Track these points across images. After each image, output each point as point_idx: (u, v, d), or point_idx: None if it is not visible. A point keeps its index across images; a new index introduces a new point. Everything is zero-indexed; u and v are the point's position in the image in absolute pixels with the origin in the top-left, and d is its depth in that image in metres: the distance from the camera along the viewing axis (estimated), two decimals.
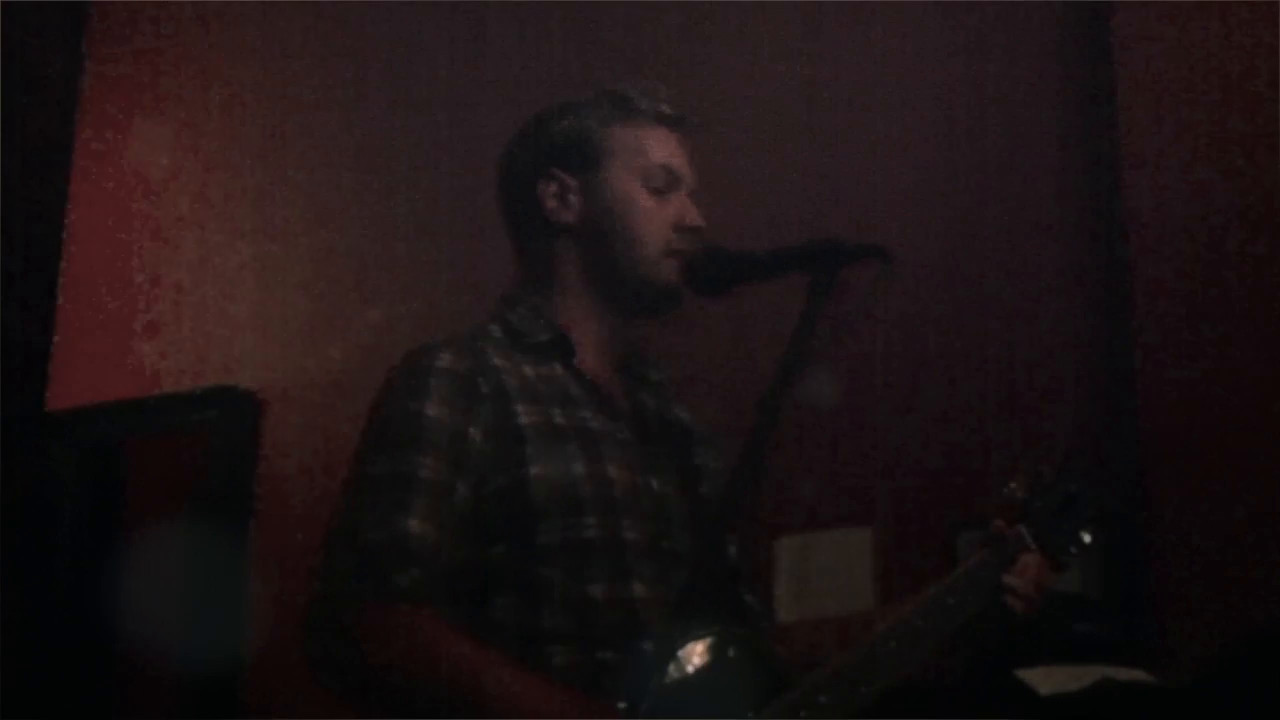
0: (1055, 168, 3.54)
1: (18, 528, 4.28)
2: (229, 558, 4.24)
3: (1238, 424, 3.13)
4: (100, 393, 4.62)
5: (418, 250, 4.27)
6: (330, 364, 4.28)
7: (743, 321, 3.41)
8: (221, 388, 4.41)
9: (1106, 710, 2.57)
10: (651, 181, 2.00)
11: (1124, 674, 2.67)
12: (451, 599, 1.79)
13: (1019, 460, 3.16)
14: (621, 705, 1.70)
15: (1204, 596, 3.07)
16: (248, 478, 4.31)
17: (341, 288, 4.38)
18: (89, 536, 4.57)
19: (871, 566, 3.45)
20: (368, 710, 1.80)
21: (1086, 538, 2.08)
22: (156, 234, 4.71)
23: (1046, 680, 2.63)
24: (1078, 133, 3.52)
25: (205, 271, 4.60)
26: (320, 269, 4.43)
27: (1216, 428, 3.16)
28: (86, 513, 4.59)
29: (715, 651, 1.74)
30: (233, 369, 4.44)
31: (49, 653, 4.39)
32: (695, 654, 1.72)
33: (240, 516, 4.27)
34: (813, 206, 3.69)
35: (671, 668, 1.70)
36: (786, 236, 1.89)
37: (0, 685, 4.03)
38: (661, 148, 2.02)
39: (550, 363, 1.95)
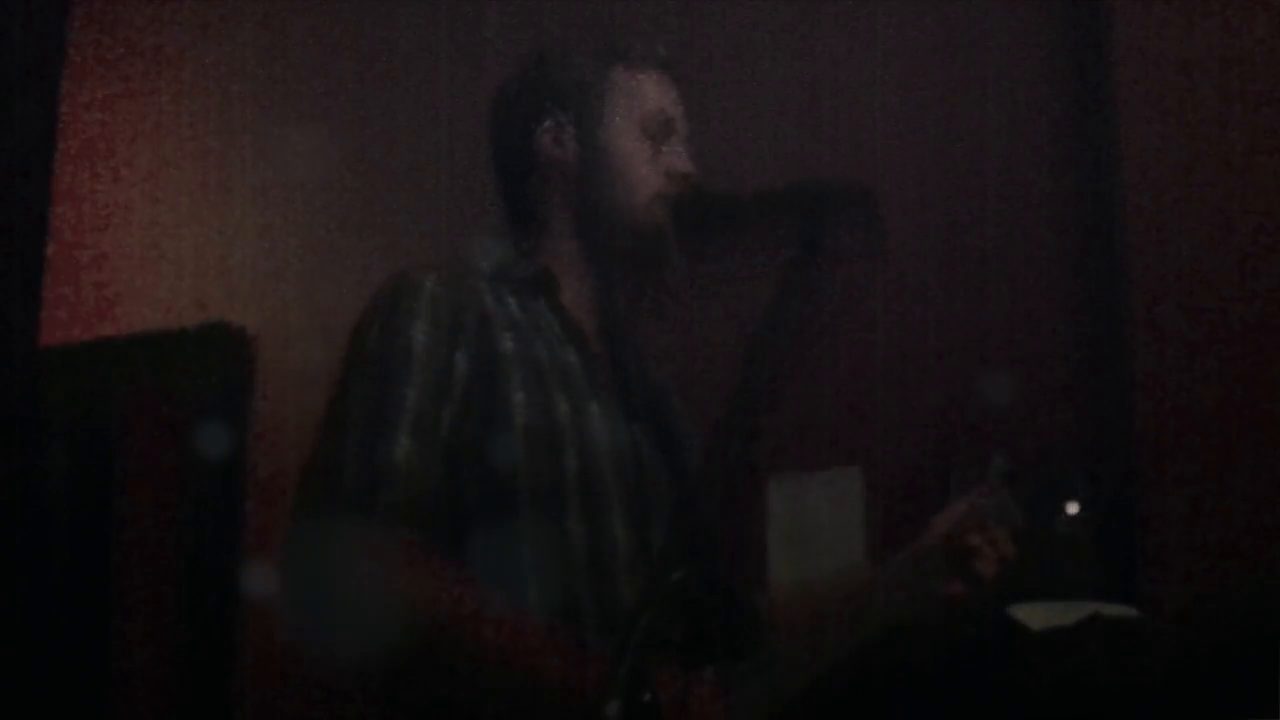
0: (1053, 115, 3.53)
1: (7, 463, 4.28)
2: (223, 494, 4.25)
3: (1233, 370, 3.14)
4: (93, 330, 4.61)
5: (413, 189, 4.26)
6: (324, 302, 4.28)
7: (735, 280, 3.40)
8: (215, 325, 4.41)
9: (1098, 645, 2.59)
10: (648, 127, 2.00)
11: (1114, 610, 2.69)
12: (426, 526, 1.78)
13: (1011, 414, 3.18)
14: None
15: (1189, 536, 3.08)
16: (242, 415, 4.31)
17: (336, 226, 4.37)
18: (81, 474, 4.57)
19: (864, 507, 3.46)
20: (345, 634, 1.80)
21: (1073, 508, 2.08)
22: (149, 173, 4.70)
23: (1038, 616, 2.64)
24: (1076, 83, 3.50)
25: (199, 210, 4.59)
26: (315, 208, 4.42)
27: (1211, 381, 3.16)
28: (78, 449, 4.59)
29: (700, 591, 1.75)
30: (226, 308, 4.43)
31: (38, 604, 4.40)
32: (679, 592, 1.73)
33: (235, 453, 4.28)
34: (805, 161, 3.67)
35: (655, 605, 1.71)
36: (780, 178, 1.88)
37: None
38: (658, 94, 2.02)
39: (535, 299, 1.95)
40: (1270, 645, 2.42)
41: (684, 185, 1.97)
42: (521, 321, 1.92)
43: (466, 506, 1.82)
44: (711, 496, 1.87)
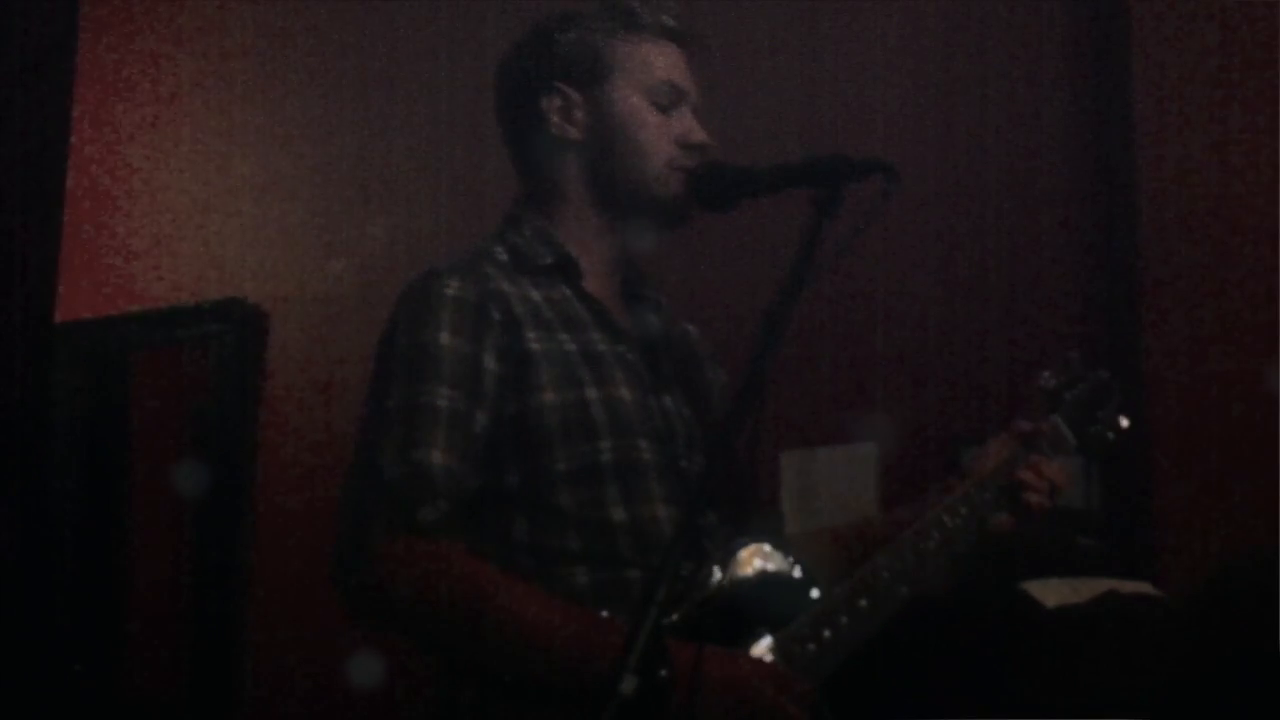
0: (1060, 81, 3.50)
1: (22, 440, 4.29)
2: (233, 469, 4.26)
3: (1240, 334, 3.12)
4: (106, 307, 4.62)
5: (420, 163, 4.25)
6: (334, 277, 4.27)
7: (744, 238, 3.39)
8: (227, 301, 4.41)
9: (1112, 622, 2.58)
10: (657, 97, 1.98)
11: (1129, 587, 2.68)
12: (470, 526, 1.78)
13: (1024, 373, 3.15)
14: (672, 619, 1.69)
15: (1203, 511, 3.07)
16: (253, 390, 4.32)
17: (345, 201, 4.36)
18: (94, 449, 4.58)
19: (876, 482, 3.46)
20: (402, 641, 1.80)
21: (1124, 422, 2.10)
22: (160, 149, 4.69)
23: (1052, 593, 2.63)
24: (1084, 47, 3.48)
25: (209, 186, 4.58)
26: (323, 182, 4.41)
27: (1219, 338, 3.14)
28: (92, 426, 4.60)
29: (750, 561, 1.75)
30: (237, 283, 4.43)
31: (50, 573, 4.42)
32: (731, 565, 1.73)
33: (245, 428, 4.28)
34: (811, 124, 3.65)
35: (708, 580, 1.71)
36: (784, 153, 1.87)
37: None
38: (666, 63, 2.00)
39: (556, 285, 1.94)
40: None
41: (698, 154, 1.96)
42: (547, 314, 1.90)
43: (511, 500, 1.82)
44: (736, 462, 1.87)
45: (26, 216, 4.39)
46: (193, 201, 4.60)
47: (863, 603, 1.79)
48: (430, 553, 1.72)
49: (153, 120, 4.73)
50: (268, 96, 4.55)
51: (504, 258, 1.95)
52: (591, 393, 1.85)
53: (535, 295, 1.91)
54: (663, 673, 1.42)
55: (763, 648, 1.72)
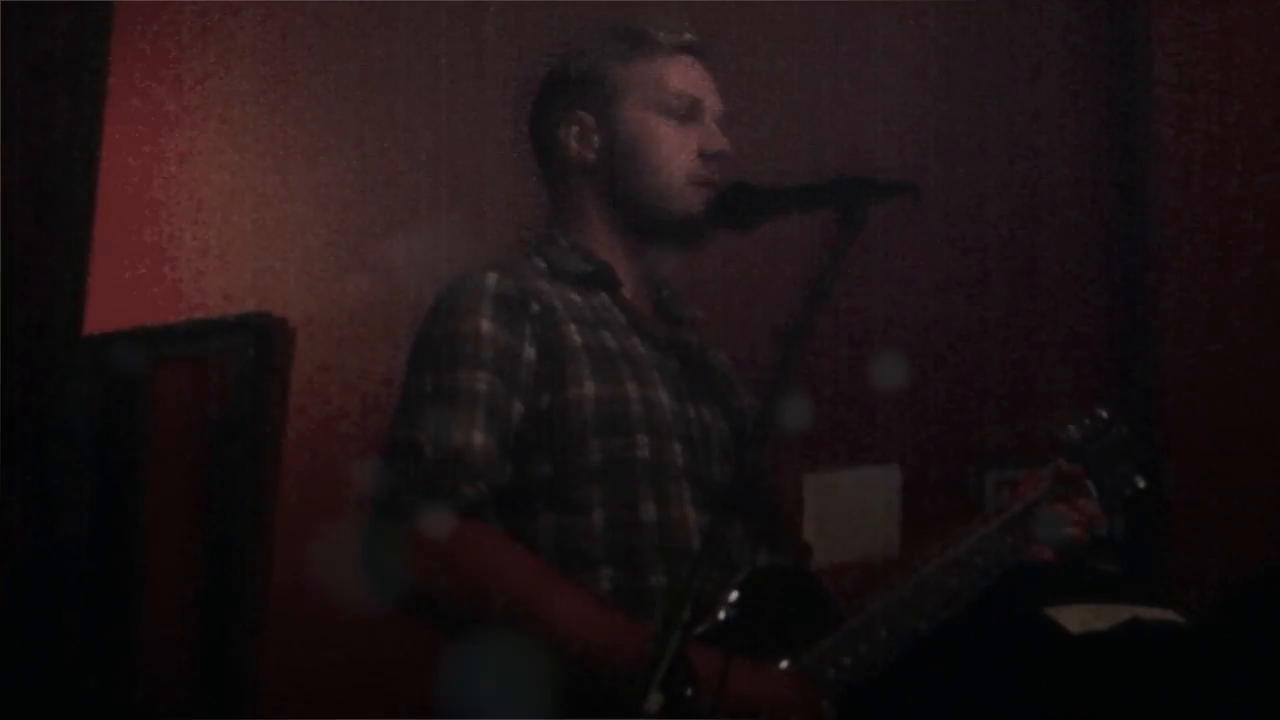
0: (1073, 86, 3.50)
1: (46, 451, 4.30)
2: (254, 482, 4.26)
3: (1260, 358, 3.10)
4: (132, 319, 4.63)
5: (446, 179, 4.26)
6: (358, 292, 4.28)
7: (763, 256, 3.38)
8: (252, 315, 4.42)
9: (1136, 649, 2.56)
10: (671, 110, 1.99)
11: (1153, 614, 2.66)
12: (501, 516, 1.78)
13: (1057, 402, 3.15)
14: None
15: (1223, 537, 3.05)
16: (277, 404, 4.33)
17: (370, 217, 4.37)
18: (115, 461, 4.59)
19: (899, 504, 3.44)
20: (423, 622, 1.79)
21: (1141, 482, 2.11)
22: (186, 163, 4.71)
23: (1076, 619, 2.62)
24: (1096, 49, 3.47)
25: (234, 200, 4.60)
26: (348, 198, 4.42)
27: (1238, 361, 3.13)
28: (114, 437, 4.61)
29: (770, 583, 1.74)
30: (261, 297, 4.44)
31: (68, 582, 4.42)
32: (750, 584, 1.71)
33: (268, 442, 4.29)
34: (820, 140, 3.64)
35: (728, 598, 1.70)
36: (792, 168, 1.87)
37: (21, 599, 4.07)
38: (681, 76, 2.01)
39: (595, 293, 1.95)
40: None
41: (719, 165, 1.97)
42: (586, 313, 1.91)
43: (540, 494, 1.81)
44: (764, 477, 1.86)
45: (56, 229, 4.41)
46: (218, 215, 4.62)
47: (883, 633, 1.78)
48: (468, 534, 1.71)
49: (180, 135, 4.75)
50: (294, 112, 4.57)
51: (542, 265, 1.96)
52: (632, 388, 1.85)
53: (575, 297, 1.92)
54: (688, 691, 1.41)
55: (783, 669, 1.71)
